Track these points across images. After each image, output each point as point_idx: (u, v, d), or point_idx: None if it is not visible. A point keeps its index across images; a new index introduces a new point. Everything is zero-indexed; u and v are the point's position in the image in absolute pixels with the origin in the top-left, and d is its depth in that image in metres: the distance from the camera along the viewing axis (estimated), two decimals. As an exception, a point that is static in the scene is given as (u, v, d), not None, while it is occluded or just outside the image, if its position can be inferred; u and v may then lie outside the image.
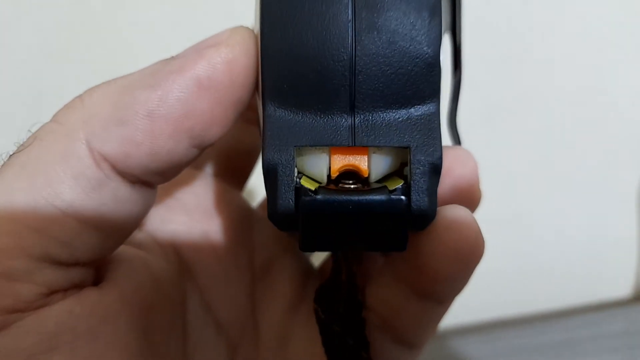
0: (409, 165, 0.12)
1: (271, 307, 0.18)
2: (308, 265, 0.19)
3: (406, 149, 0.12)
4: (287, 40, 0.12)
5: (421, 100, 0.12)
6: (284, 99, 0.12)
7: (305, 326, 0.17)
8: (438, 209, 0.13)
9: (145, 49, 0.31)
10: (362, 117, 0.12)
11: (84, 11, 0.30)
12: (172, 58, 0.13)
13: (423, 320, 0.16)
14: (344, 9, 0.12)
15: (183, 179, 0.18)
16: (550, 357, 0.36)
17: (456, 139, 0.18)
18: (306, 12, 0.12)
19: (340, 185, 0.13)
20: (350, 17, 0.12)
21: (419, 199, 0.12)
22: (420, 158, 0.12)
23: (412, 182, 0.12)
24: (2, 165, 0.13)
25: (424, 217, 0.13)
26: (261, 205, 0.20)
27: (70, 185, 0.12)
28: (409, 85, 0.12)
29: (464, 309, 0.27)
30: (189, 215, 0.17)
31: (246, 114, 0.14)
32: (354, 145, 0.12)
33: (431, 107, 0.12)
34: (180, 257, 0.17)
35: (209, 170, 0.18)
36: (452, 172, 0.15)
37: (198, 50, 0.13)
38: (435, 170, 0.12)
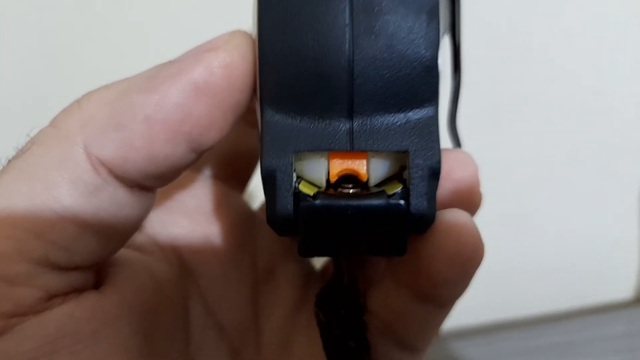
0: (407, 169, 0.12)
1: (273, 311, 0.18)
2: (310, 268, 0.19)
3: (405, 153, 0.12)
4: (284, 44, 0.12)
5: (420, 104, 0.12)
6: (282, 104, 0.12)
7: (307, 330, 0.17)
8: (438, 212, 0.13)
9: (145, 50, 0.31)
10: (360, 121, 0.12)
11: (84, 11, 0.30)
12: (170, 62, 0.13)
13: (425, 323, 0.16)
14: (341, 12, 0.12)
15: (184, 181, 0.18)
16: (551, 359, 0.36)
17: (456, 141, 0.18)
18: (304, 16, 0.12)
19: (339, 189, 0.13)
20: (347, 21, 0.12)
21: (417, 203, 0.12)
22: (418, 162, 0.12)
23: (410, 186, 0.12)
24: (1, 171, 0.13)
25: (423, 221, 0.13)
26: (262, 207, 0.20)
27: (68, 190, 0.12)
28: (407, 89, 0.12)
29: (465, 310, 0.27)
30: (189, 218, 0.17)
31: (247, 117, 0.14)
32: (352, 150, 0.12)
33: (430, 111, 0.12)
34: (181, 260, 0.17)
35: (209, 172, 0.18)
36: (452, 175, 0.15)
37: (196, 54, 0.13)
38: (434, 174, 0.12)
